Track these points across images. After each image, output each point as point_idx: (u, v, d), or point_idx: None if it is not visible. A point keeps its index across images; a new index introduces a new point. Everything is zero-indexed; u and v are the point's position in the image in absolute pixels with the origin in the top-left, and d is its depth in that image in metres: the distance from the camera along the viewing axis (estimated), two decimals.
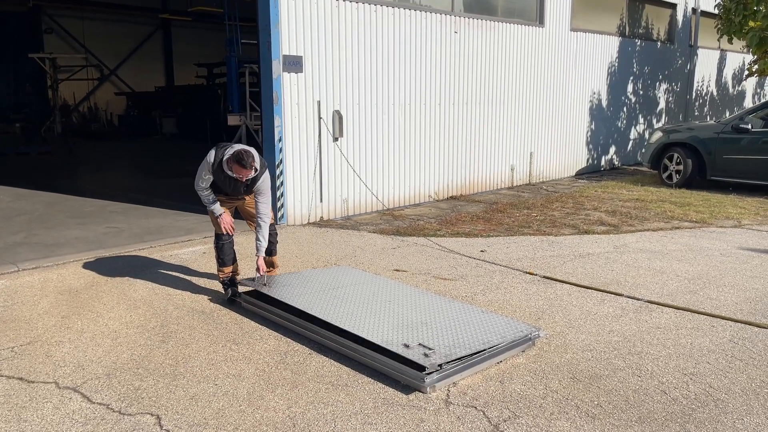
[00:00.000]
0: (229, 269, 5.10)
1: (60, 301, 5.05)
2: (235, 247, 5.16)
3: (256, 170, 4.66)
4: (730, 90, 17.85)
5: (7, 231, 7.39)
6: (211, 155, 4.74)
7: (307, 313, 4.36)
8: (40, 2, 22.94)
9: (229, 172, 4.63)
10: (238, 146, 4.73)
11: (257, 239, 4.97)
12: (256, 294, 4.90)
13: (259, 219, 4.94)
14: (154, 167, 13.62)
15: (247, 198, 5.08)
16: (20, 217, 8.15)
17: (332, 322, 4.18)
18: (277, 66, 7.39)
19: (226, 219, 4.94)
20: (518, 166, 11.20)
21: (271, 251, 5.27)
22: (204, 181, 4.84)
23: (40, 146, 16.84)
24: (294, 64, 7.55)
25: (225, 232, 4.99)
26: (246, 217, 5.26)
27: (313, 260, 6.09)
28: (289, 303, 4.54)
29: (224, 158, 4.65)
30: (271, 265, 5.32)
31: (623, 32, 13.26)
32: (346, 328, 4.07)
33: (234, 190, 4.90)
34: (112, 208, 8.75)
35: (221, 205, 4.98)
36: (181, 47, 27.06)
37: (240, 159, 4.52)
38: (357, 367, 3.84)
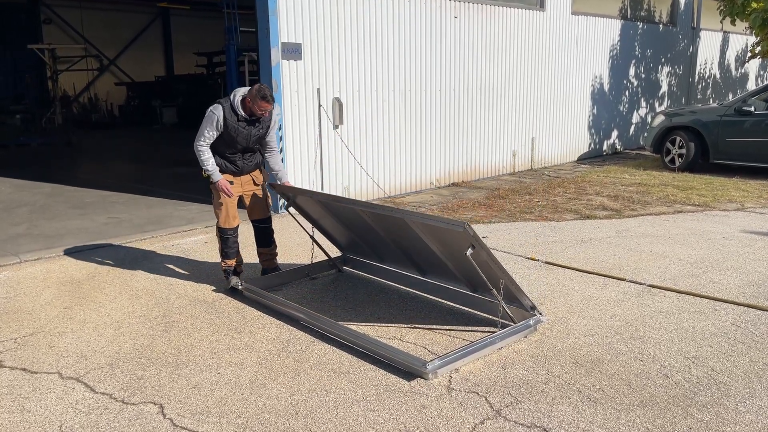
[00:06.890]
0: (232, 261, 5.08)
1: (62, 291, 5.06)
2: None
3: (274, 100, 4.67)
4: (733, 72, 17.71)
5: (9, 222, 7.40)
6: (219, 109, 4.57)
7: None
8: None
9: (246, 114, 4.60)
10: (245, 88, 4.68)
11: (272, 169, 5.00)
12: (258, 282, 4.89)
13: (270, 150, 4.98)
14: (154, 157, 13.60)
15: (254, 178, 5.00)
16: (22, 208, 8.16)
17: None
18: (275, 54, 7.35)
19: (224, 183, 4.74)
20: (520, 152, 11.15)
21: (270, 243, 5.26)
22: (206, 138, 4.62)
23: (40, 137, 16.82)
24: (293, 51, 7.50)
25: (227, 221, 4.93)
26: (251, 207, 5.08)
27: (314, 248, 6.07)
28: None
29: (239, 100, 4.59)
30: (270, 254, 5.32)
31: (625, 15, 13.14)
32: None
33: (246, 139, 4.71)
34: (113, 199, 8.75)
35: (232, 189, 4.82)
36: (180, 36, 26.90)
37: (264, 95, 4.51)
38: (359, 354, 3.84)
